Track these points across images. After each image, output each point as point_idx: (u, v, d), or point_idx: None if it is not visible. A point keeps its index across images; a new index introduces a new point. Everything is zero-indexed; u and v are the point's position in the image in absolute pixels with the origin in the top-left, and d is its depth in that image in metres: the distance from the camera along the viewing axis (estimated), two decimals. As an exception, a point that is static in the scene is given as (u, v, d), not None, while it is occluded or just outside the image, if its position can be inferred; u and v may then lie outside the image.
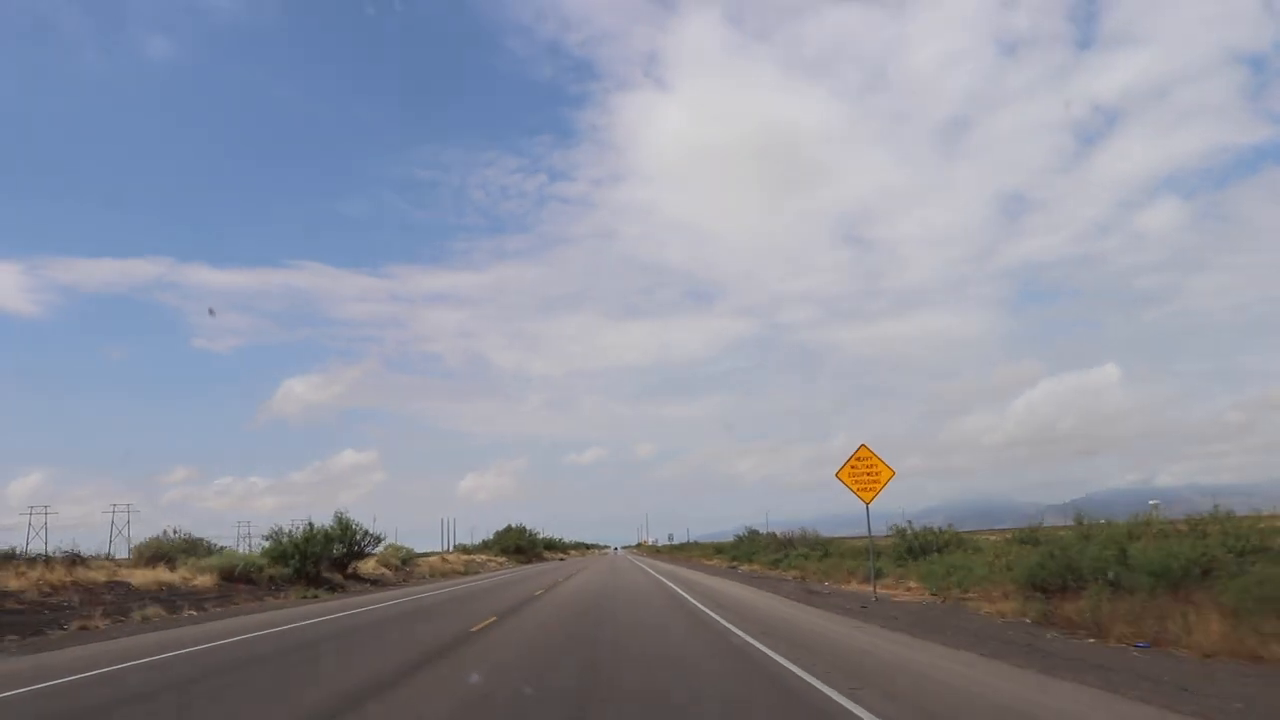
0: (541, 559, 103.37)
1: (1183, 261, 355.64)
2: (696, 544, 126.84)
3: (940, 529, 27.11)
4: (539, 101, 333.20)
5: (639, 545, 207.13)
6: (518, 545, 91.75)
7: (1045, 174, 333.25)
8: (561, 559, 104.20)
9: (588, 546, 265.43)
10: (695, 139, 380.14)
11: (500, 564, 77.88)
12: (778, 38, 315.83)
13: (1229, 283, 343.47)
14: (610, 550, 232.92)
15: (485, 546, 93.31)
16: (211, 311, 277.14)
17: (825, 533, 55.47)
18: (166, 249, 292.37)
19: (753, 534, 65.93)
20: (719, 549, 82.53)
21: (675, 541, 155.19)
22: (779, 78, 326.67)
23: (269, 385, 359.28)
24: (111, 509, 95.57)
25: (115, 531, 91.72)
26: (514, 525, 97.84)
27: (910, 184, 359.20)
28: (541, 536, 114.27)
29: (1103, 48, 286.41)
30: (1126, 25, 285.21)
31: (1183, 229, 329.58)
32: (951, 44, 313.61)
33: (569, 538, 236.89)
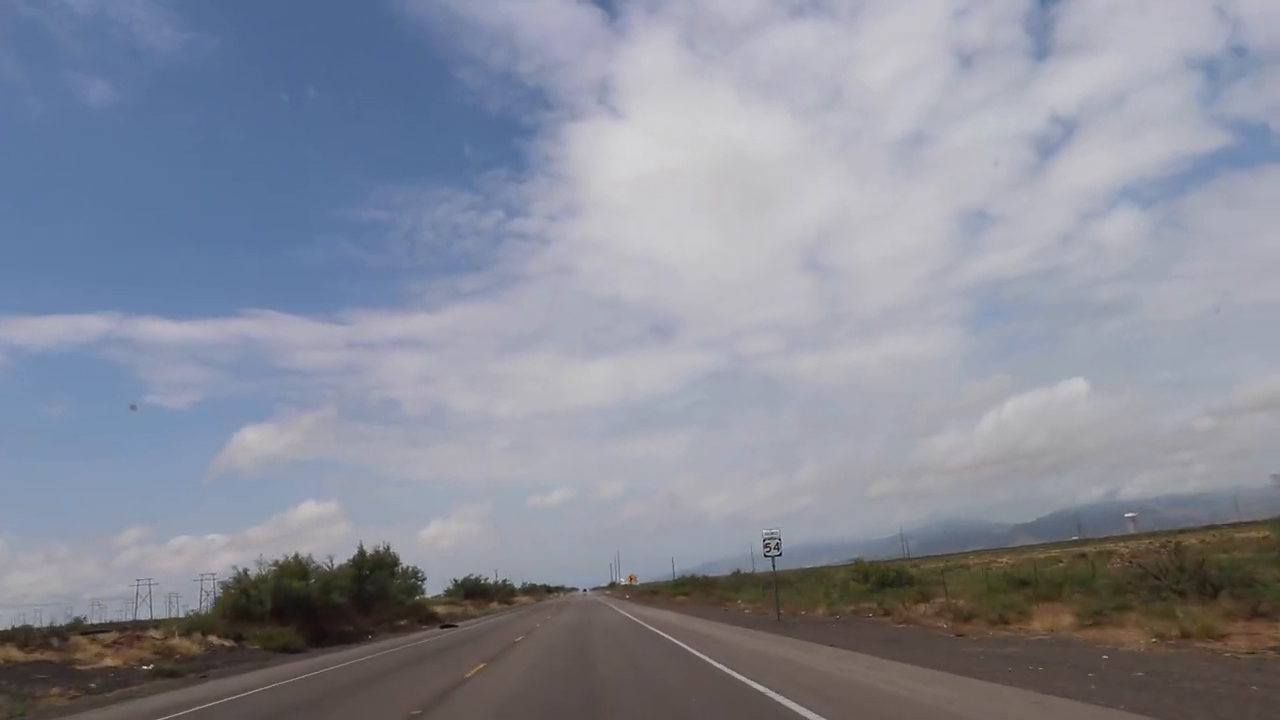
0: (392, 631, 43.47)
1: (1143, 271, 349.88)
2: (705, 579, 69.56)
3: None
4: (491, 135, 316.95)
5: (612, 586, 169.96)
6: (275, 609, 31.08)
7: (1005, 188, 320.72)
8: (442, 629, 42.97)
9: (549, 589, 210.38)
10: (650, 167, 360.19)
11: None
12: (732, 59, 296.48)
13: (1189, 291, 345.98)
14: (579, 593, 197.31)
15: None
16: (133, 407, 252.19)
17: (800, 564, 45.91)
18: (115, 303, 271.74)
19: None
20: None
21: (683, 574, 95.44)
22: (734, 101, 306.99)
23: (226, 439, 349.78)
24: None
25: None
26: (296, 558, 37.05)
27: (870, 204, 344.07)
28: (411, 571, 53.38)
29: (1059, 57, 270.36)
30: (1082, 33, 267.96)
31: (1143, 239, 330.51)
32: (906, 58, 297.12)
33: (534, 580, 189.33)
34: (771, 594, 47.46)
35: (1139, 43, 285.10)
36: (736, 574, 63.17)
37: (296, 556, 33.25)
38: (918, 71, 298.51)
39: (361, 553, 42.27)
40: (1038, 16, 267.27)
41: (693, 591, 69.64)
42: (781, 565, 72.09)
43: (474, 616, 62.95)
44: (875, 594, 31.82)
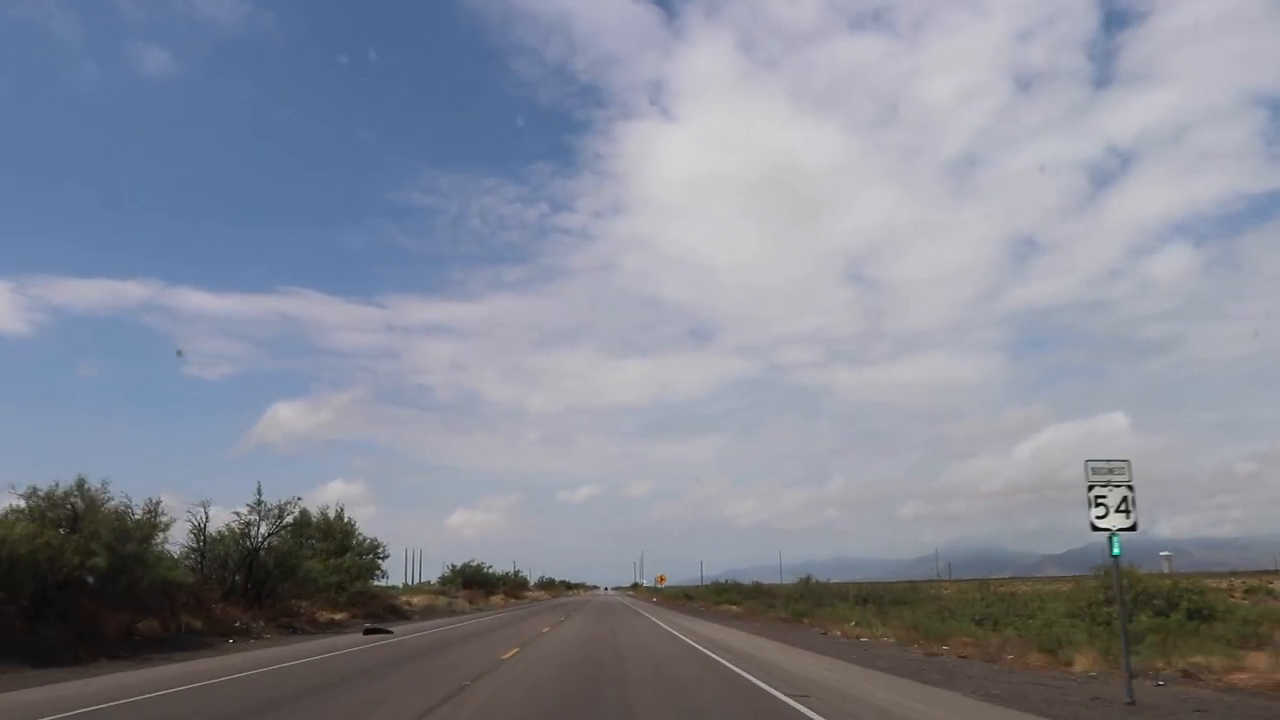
0: (292, 634, 27.64)
1: (1193, 309, 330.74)
2: (758, 586, 55.10)
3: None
4: (542, 127, 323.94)
5: (634, 587, 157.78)
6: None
7: (1056, 216, 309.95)
8: (366, 634, 26.02)
9: (568, 585, 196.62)
10: (699, 171, 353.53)
11: None
12: (788, 67, 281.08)
13: (1238, 331, 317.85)
14: (600, 591, 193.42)
15: None
16: (180, 353, 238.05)
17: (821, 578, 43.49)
18: (157, 271, 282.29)
19: None
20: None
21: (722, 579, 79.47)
22: (787, 109, 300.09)
23: (258, 414, 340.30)
24: None
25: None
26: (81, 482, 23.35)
27: (918, 223, 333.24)
28: (367, 546, 37.61)
29: (1121, 86, 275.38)
30: (1146, 64, 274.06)
31: (1194, 276, 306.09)
32: (966, 78, 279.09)
33: (557, 574, 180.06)
34: (876, 613, 30.92)
35: (1204, 76, 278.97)
36: (806, 581, 46.26)
37: (84, 482, 17.29)
38: (976, 92, 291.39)
39: (258, 503, 26.54)
40: (1101, 44, 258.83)
41: (743, 600, 53.17)
42: (793, 578, 55.58)
43: (461, 613, 47.21)
44: (1185, 633, 15.93)
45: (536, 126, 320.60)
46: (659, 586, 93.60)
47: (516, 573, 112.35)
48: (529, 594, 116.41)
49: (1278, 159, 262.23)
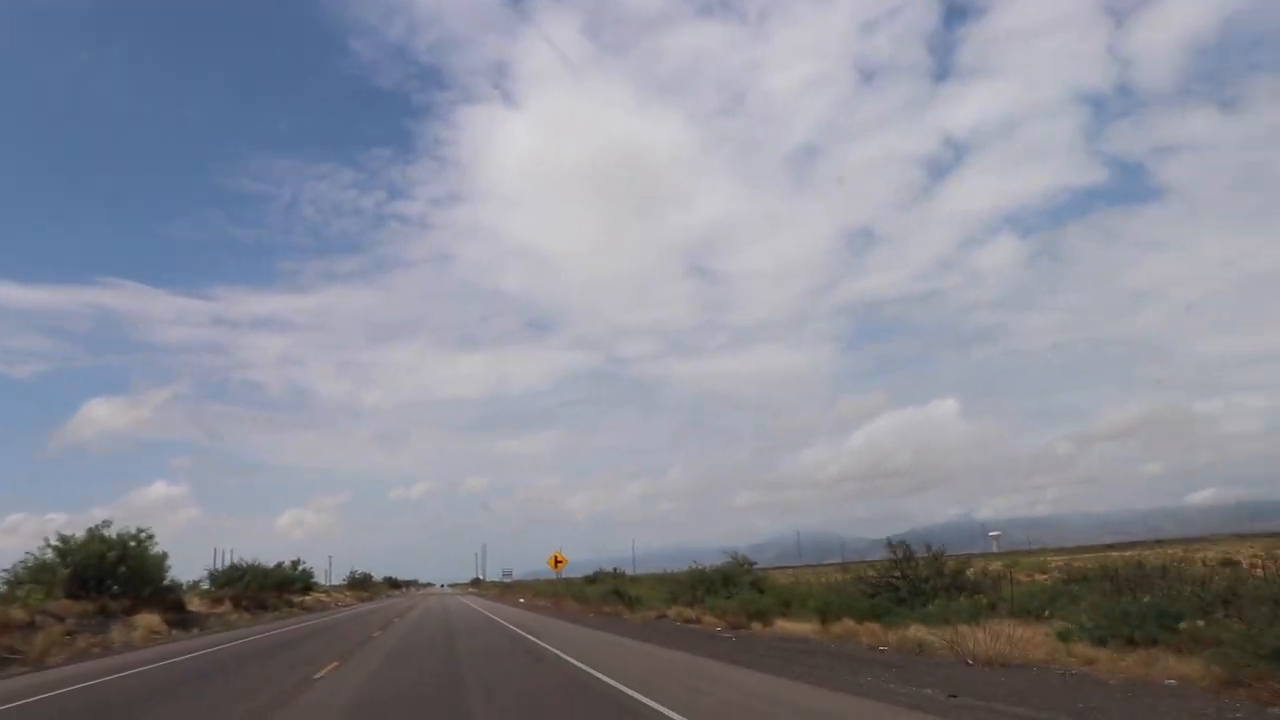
0: None
1: (1015, 300, 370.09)
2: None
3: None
4: (380, 110, 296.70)
5: (476, 583, 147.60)
6: None
7: (893, 208, 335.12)
8: None
9: (396, 584, 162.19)
10: (541, 159, 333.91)
11: None
12: (634, 53, 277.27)
13: (1055, 322, 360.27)
14: (436, 588, 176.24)
15: None
16: None
17: (662, 567, 45.73)
18: None
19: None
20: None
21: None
22: (632, 97, 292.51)
23: (70, 414, 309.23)
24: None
25: None
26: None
27: (758, 214, 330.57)
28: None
29: (957, 80, 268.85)
30: (982, 58, 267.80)
31: (1018, 267, 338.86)
32: (811, 68, 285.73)
33: (394, 573, 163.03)
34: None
35: (1034, 73, 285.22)
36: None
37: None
38: (819, 83, 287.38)
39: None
40: (940, 37, 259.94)
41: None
42: (645, 568, 51.56)
43: None
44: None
45: (374, 109, 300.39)
46: (556, 575, 50.56)
47: (294, 565, 65.63)
48: (316, 598, 69.71)
49: (1096, 155, 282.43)
